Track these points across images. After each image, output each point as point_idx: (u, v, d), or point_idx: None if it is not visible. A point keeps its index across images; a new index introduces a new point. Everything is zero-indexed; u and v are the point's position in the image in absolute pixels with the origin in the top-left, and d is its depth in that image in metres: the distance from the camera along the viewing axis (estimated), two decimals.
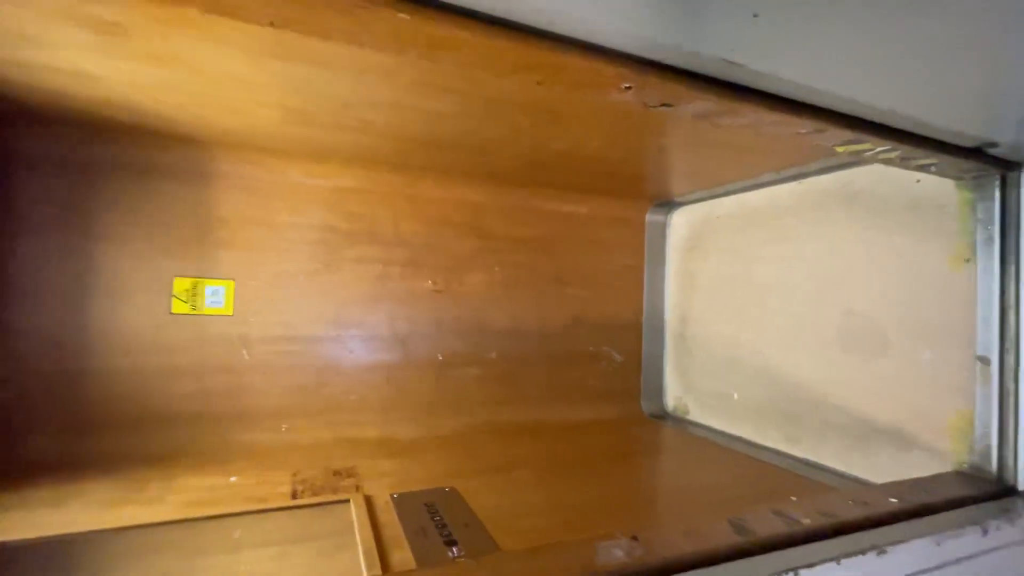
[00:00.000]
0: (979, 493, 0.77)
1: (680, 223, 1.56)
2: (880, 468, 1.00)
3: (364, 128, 0.96)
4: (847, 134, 0.67)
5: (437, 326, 1.32)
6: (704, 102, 0.57)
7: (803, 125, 0.64)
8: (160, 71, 0.73)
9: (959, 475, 0.84)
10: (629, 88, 0.54)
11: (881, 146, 0.71)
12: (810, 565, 0.55)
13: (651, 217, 1.58)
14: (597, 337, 1.52)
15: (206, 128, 0.98)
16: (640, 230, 1.58)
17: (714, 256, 1.44)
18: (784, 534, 0.60)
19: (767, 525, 0.62)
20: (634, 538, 0.57)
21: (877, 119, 0.67)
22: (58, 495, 0.83)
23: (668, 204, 1.56)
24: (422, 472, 1.01)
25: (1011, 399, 0.81)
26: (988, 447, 0.83)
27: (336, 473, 0.96)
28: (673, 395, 1.55)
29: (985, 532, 0.69)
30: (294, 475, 0.94)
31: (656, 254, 1.59)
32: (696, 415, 1.47)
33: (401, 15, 0.42)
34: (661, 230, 1.59)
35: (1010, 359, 0.81)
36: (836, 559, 0.56)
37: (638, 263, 1.58)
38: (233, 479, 0.92)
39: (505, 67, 0.51)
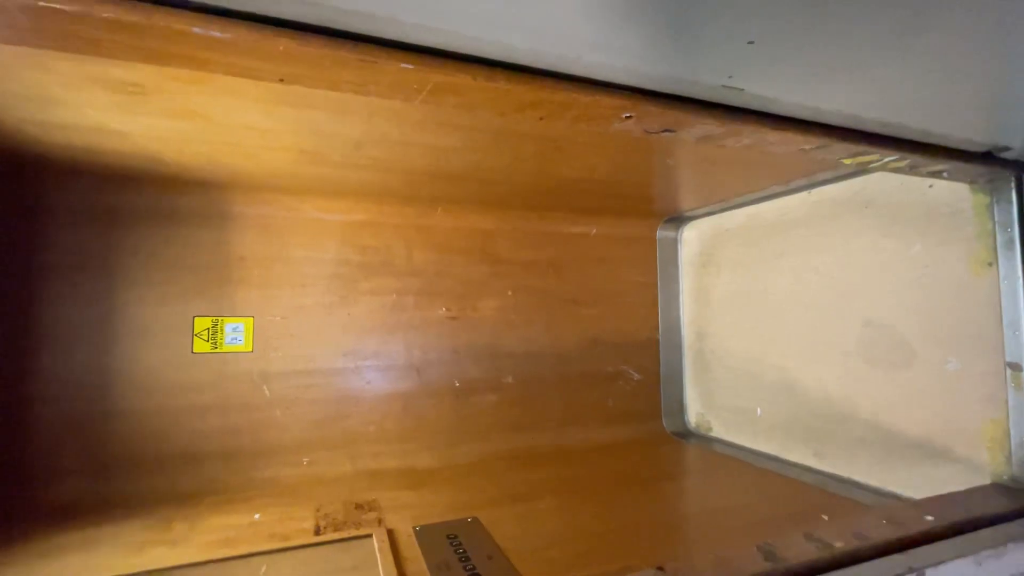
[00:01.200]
0: (1020, 507, 0.74)
1: (691, 238, 1.56)
2: (913, 482, 0.96)
3: (375, 165, 0.98)
4: (852, 147, 0.67)
5: (453, 353, 1.32)
6: (705, 126, 0.58)
7: (807, 142, 0.64)
8: (179, 124, 0.76)
9: (997, 488, 0.81)
10: (630, 117, 0.55)
11: (889, 156, 0.71)
12: None
13: (662, 233, 1.58)
14: (614, 356, 1.51)
15: (222, 173, 1.02)
16: (651, 247, 1.58)
17: (727, 270, 1.43)
18: (816, 559, 0.58)
19: (798, 550, 0.60)
20: (660, 568, 0.56)
21: (883, 131, 0.67)
22: (87, 539, 0.85)
23: (678, 219, 1.56)
24: (444, 502, 1.00)
25: None
26: None
27: (358, 507, 0.96)
28: (695, 412, 1.53)
29: None
30: (316, 510, 0.94)
31: (669, 270, 1.58)
32: (719, 432, 1.44)
33: (405, 65, 0.44)
34: (673, 246, 1.59)
35: None
36: None
37: (651, 280, 1.58)
38: (257, 516, 0.92)
39: (508, 107, 0.53)
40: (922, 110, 0.63)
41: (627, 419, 1.49)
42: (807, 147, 0.65)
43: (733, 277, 1.41)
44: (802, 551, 0.59)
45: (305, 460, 1.15)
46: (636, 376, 1.52)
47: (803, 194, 1.20)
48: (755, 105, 0.57)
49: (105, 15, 0.36)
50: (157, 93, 0.66)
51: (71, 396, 1.02)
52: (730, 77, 0.51)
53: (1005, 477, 0.82)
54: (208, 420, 1.10)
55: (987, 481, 0.85)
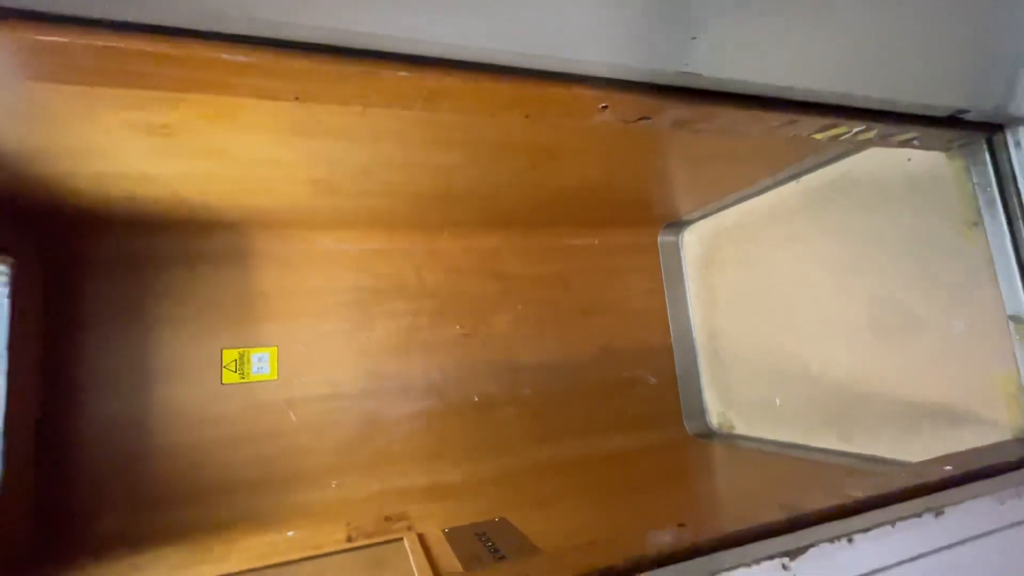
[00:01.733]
0: None
1: (692, 241, 1.60)
2: (939, 450, 0.95)
3: (383, 191, 1.05)
4: (819, 121, 0.72)
5: (470, 369, 1.35)
6: (676, 110, 0.64)
7: (775, 119, 0.70)
8: (204, 164, 0.84)
9: (1019, 441, 0.81)
10: (606, 108, 0.61)
11: (856, 127, 0.76)
12: (864, 530, 0.54)
13: (663, 239, 1.63)
14: (629, 363, 1.52)
15: (244, 211, 1.10)
16: (654, 253, 1.62)
17: (731, 267, 1.46)
18: (836, 506, 0.59)
19: (818, 501, 0.61)
20: (682, 524, 0.57)
21: (845, 103, 0.72)
22: (131, 566, 0.88)
23: (677, 224, 1.61)
24: (472, 509, 1.02)
25: None
26: None
27: (388, 519, 0.98)
28: (715, 412, 1.53)
29: None
30: (347, 524, 0.96)
31: (674, 274, 1.62)
32: (742, 429, 1.43)
33: (401, 73, 0.51)
34: (675, 250, 1.63)
35: None
36: (891, 522, 0.56)
37: (657, 286, 1.61)
38: (291, 534, 0.95)
39: (495, 106, 0.59)
40: (877, 79, 0.68)
41: (648, 424, 1.49)
42: (776, 124, 0.71)
43: (737, 273, 1.44)
44: (822, 500, 0.61)
45: (334, 483, 1.18)
46: (653, 380, 1.53)
47: (792, 184, 1.24)
48: (717, 87, 0.63)
49: (152, 49, 0.43)
50: (185, 133, 0.74)
51: (112, 436, 1.07)
52: (686, 64, 0.57)
53: None
54: (239, 450, 1.13)
55: (1009, 437, 0.84)
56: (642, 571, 0.49)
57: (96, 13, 0.41)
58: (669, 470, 1.23)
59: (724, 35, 0.53)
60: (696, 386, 1.56)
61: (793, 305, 1.26)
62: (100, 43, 0.42)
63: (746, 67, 0.59)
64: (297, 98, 0.53)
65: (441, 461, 1.27)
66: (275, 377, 1.18)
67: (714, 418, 1.53)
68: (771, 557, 0.50)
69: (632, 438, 1.45)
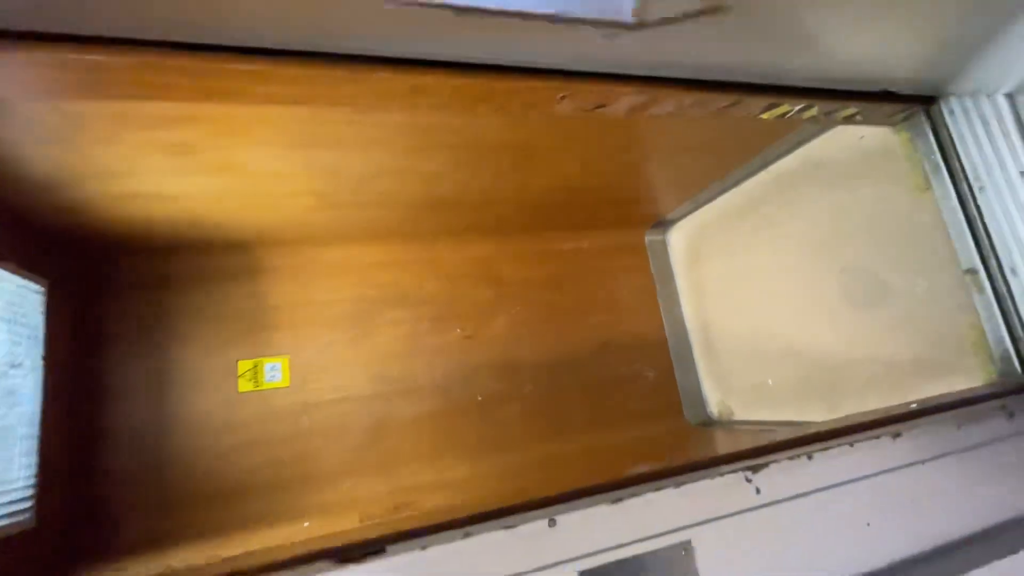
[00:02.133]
0: (1006, 390, 0.79)
1: (678, 238, 1.68)
2: None
3: (377, 201, 1.15)
4: (763, 100, 0.81)
5: (472, 370, 1.41)
6: (629, 96, 0.72)
7: (720, 100, 0.78)
8: (217, 180, 0.94)
9: (988, 385, 0.85)
10: (564, 97, 0.70)
11: (799, 104, 0.84)
12: (823, 450, 0.59)
13: (650, 238, 1.70)
14: (626, 358, 1.57)
15: (253, 229, 1.19)
16: (642, 252, 1.69)
17: (715, 259, 1.53)
18: (801, 435, 0.64)
19: (787, 434, 0.66)
20: (659, 460, 0.62)
21: (784, 82, 0.81)
22: (151, 560, 0.93)
23: (662, 224, 1.68)
24: (479, 497, 1.06)
25: (1008, 301, 0.85)
26: (1006, 350, 0.85)
27: (397, 507, 1.03)
28: (715, 400, 1.56)
29: (1011, 416, 0.71)
30: (360, 513, 1.01)
31: (663, 270, 1.68)
32: (741, 414, 1.47)
33: (382, 74, 0.60)
34: (662, 248, 1.70)
35: (993, 263, 0.86)
36: (849, 443, 0.60)
37: (649, 283, 1.68)
38: (306, 524, 0.99)
39: (468, 101, 0.68)
40: (808, 59, 0.76)
41: (649, 417, 1.53)
42: (722, 104, 0.79)
43: (721, 264, 1.51)
44: (790, 433, 0.66)
45: (346, 484, 1.22)
46: (651, 374, 1.58)
47: (762, 174, 1.32)
48: (664, 73, 0.71)
49: (172, 63, 0.53)
50: (202, 151, 0.83)
51: (135, 446, 1.14)
52: (627, 54, 0.66)
53: (995, 375, 0.87)
54: (256, 454, 1.19)
55: (981, 383, 0.89)
56: (615, 489, 0.54)
57: (126, 34, 0.51)
58: (670, 453, 1.27)
59: (642, 37, 0.62)
60: (694, 377, 1.60)
61: (774, 287, 1.32)
62: (131, 59, 0.51)
63: (680, 53, 0.68)
64: (296, 101, 0.62)
65: (449, 459, 1.31)
66: (287, 384, 1.25)
67: (714, 407, 1.56)
68: (735, 471, 0.55)
69: (634, 430, 1.49)
